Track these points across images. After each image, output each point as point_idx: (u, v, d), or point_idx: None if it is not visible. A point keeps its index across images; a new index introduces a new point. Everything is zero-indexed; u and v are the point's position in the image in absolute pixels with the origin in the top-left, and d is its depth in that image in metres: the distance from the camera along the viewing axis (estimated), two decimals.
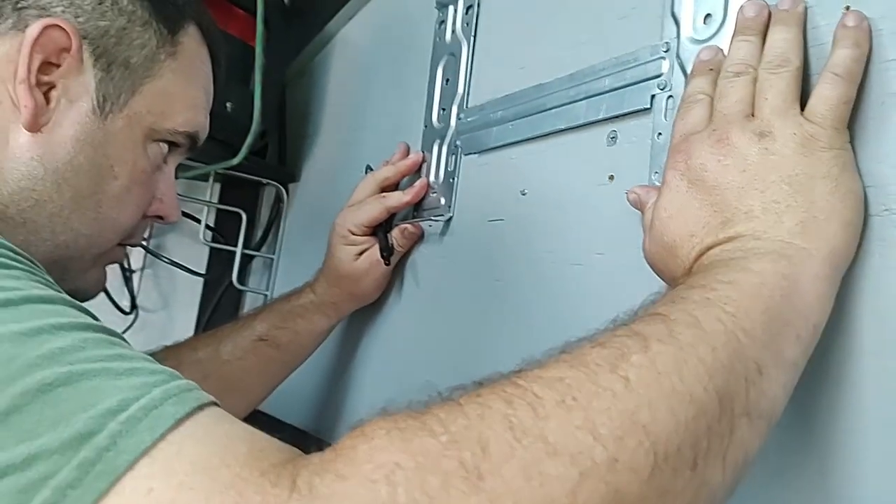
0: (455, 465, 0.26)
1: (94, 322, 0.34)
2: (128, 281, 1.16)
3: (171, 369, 0.32)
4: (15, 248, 0.37)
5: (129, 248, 0.60)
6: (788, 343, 0.34)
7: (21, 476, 0.26)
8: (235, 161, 0.98)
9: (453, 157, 0.71)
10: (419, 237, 0.75)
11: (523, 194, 0.63)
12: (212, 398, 0.32)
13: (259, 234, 1.13)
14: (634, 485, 0.27)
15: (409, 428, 0.28)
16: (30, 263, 0.37)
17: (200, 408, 0.30)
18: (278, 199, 1.09)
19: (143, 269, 1.19)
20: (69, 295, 0.53)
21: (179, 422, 0.29)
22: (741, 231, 0.38)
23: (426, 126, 0.76)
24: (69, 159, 0.48)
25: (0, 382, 0.28)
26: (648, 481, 0.28)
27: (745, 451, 0.31)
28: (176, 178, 1.05)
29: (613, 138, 0.56)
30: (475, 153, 0.69)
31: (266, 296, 1.06)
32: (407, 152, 0.77)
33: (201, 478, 0.27)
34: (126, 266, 1.15)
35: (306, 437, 0.93)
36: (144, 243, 1.15)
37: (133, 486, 0.27)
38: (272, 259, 1.08)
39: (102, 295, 1.11)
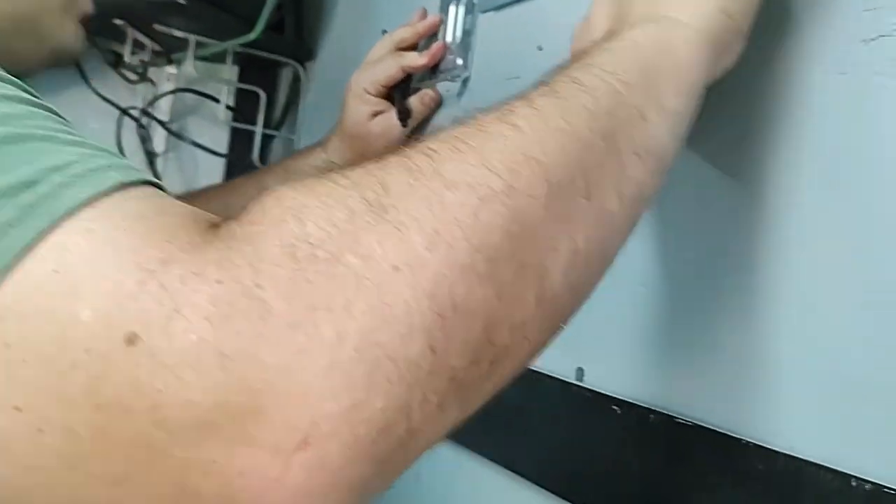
0: (359, 201, 0.28)
1: (47, 105, 0.33)
2: (152, 164, 1.17)
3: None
4: None
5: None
6: (668, 94, 0.37)
7: None
8: (253, 36, 0.98)
9: (470, 15, 0.70)
10: (438, 104, 0.75)
11: (540, 49, 0.63)
12: (158, 182, 0.31)
13: (278, 113, 1.14)
14: (533, 208, 0.30)
15: (310, 181, 0.29)
16: None
17: (144, 182, 0.29)
18: (296, 79, 1.09)
19: (165, 152, 1.20)
20: (54, 56, 0.55)
21: (122, 186, 0.28)
22: (625, 21, 0.40)
23: None
24: None
25: None
26: (546, 205, 0.30)
27: (640, 187, 0.35)
28: (195, 58, 1.06)
29: None
30: (492, 9, 0.68)
31: None
32: (424, 17, 0.76)
33: (139, 224, 0.27)
34: (149, 150, 1.16)
35: None
36: (168, 126, 1.16)
37: (73, 227, 0.26)
38: (292, 139, 1.09)
39: None
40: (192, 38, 1.05)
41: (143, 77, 1.20)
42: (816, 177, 0.40)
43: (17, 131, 0.28)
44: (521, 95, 0.34)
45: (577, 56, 0.38)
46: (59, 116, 0.32)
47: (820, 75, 0.41)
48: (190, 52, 1.06)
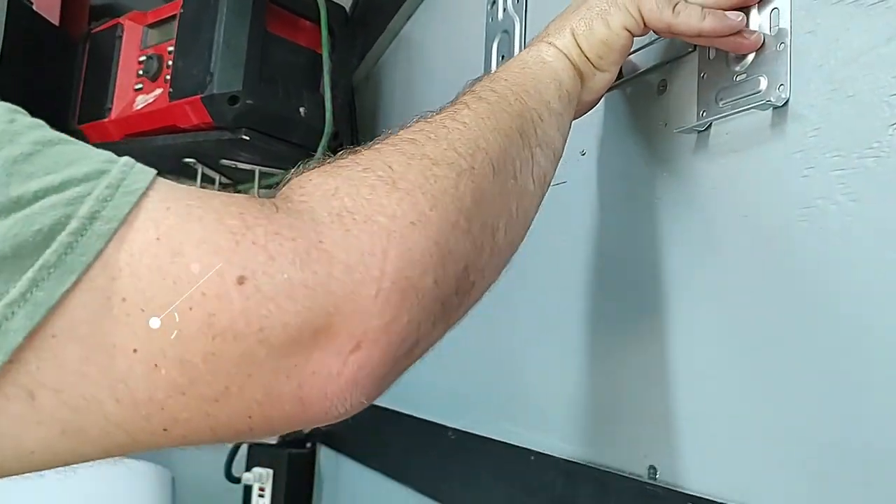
0: (374, 179, 0.36)
1: None
2: None
3: None
4: None
5: None
6: (553, 98, 0.49)
7: (62, 195, 0.30)
8: (312, 163, 1.04)
9: None
10: None
11: (583, 154, 0.65)
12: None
13: None
14: (486, 183, 0.41)
15: (333, 168, 0.38)
16: None
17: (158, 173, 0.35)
18: None
19: None
20: None
21: (156, 177, 0.33)
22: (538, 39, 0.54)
23: None
24: None
25: (12, 134, 0.31)
26: (493, 181, 0.41)
27: (544, 172, 0.47)
28: (260, 187, 1.13)
29: (664, 87, 0.57)
30: None
31: None
32: None
33: (203, 202, 0.33)
34: None
35: None
36: None
37: (153, 206, 0.31)
38: None
39: None
40: (257, 168, 1.12)
41: None
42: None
43: (60, 136, 0.33)
44: (459, 100, 0.45)
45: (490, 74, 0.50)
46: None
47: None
48: (255, 182, 1.13)
